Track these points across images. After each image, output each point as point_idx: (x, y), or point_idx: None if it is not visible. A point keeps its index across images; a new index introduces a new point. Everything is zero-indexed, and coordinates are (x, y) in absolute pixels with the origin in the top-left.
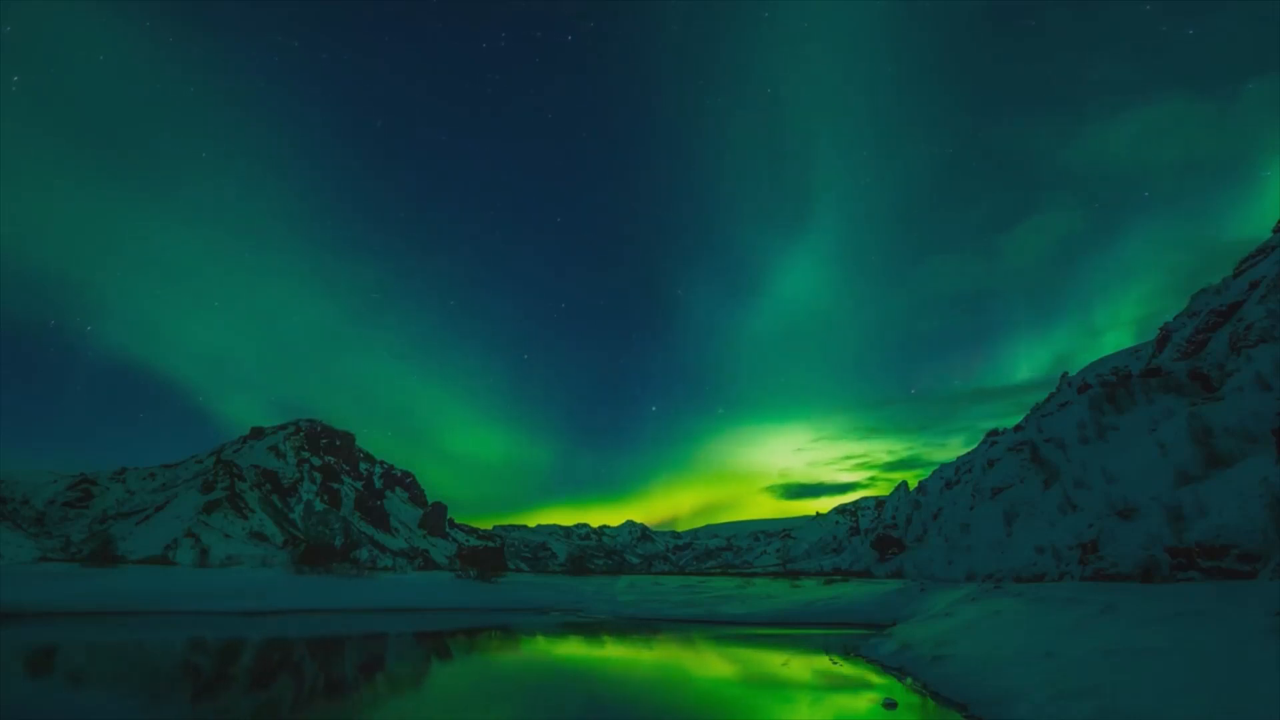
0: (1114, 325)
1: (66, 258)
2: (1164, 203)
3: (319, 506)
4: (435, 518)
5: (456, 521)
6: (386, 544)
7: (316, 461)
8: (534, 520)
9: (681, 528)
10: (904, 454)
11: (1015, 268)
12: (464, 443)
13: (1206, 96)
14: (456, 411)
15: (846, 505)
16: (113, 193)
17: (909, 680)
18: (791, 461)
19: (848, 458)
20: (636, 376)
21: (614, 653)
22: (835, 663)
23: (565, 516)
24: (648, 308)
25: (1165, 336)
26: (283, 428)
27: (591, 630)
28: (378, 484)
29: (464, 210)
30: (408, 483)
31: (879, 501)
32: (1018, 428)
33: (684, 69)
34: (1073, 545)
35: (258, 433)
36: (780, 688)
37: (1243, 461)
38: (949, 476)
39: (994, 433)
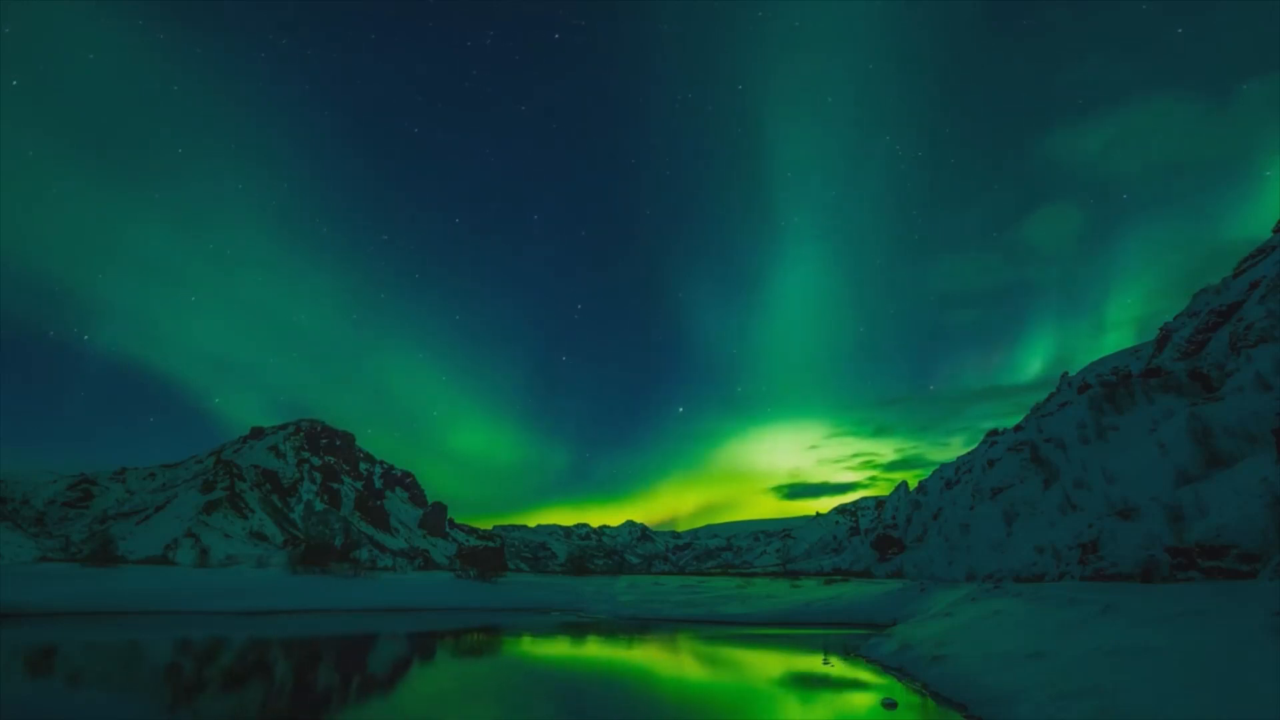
0: (1114, 325)
1: (66, 258)
2: (1164, 203)
3: (319, 506)
4: (435, 518)
5: (456, 521)
6: (386, 544)
7: (316, 461)
8: (534, 520)
9: (681, 528)
10: (904, 454)
11: (1014, 268)
12: (464, 443)
13: (1206, 96)
14: (457, 412)
15: (846, 505)
16: (112, 193)
17: (909, 680)
18: (791, 461)
19: (851, 457)
20: (636, 376)
21: (613, 653)
22: (835, 663)
23: (565, 516)
24: (651, 309)
25: (1165, 336)
26: (283, 428)
27: (591, 630)
28: (378, 484)
29: (463, 210)
30: (408, 483)
31: (879, 501)
32: (1018, 428)
33: (685, 67)
34: (1073, 545)
35: (258, 433)
36: (780, 687)
37: (1243, 461)
38: (949, 476)
39: (994, 433)
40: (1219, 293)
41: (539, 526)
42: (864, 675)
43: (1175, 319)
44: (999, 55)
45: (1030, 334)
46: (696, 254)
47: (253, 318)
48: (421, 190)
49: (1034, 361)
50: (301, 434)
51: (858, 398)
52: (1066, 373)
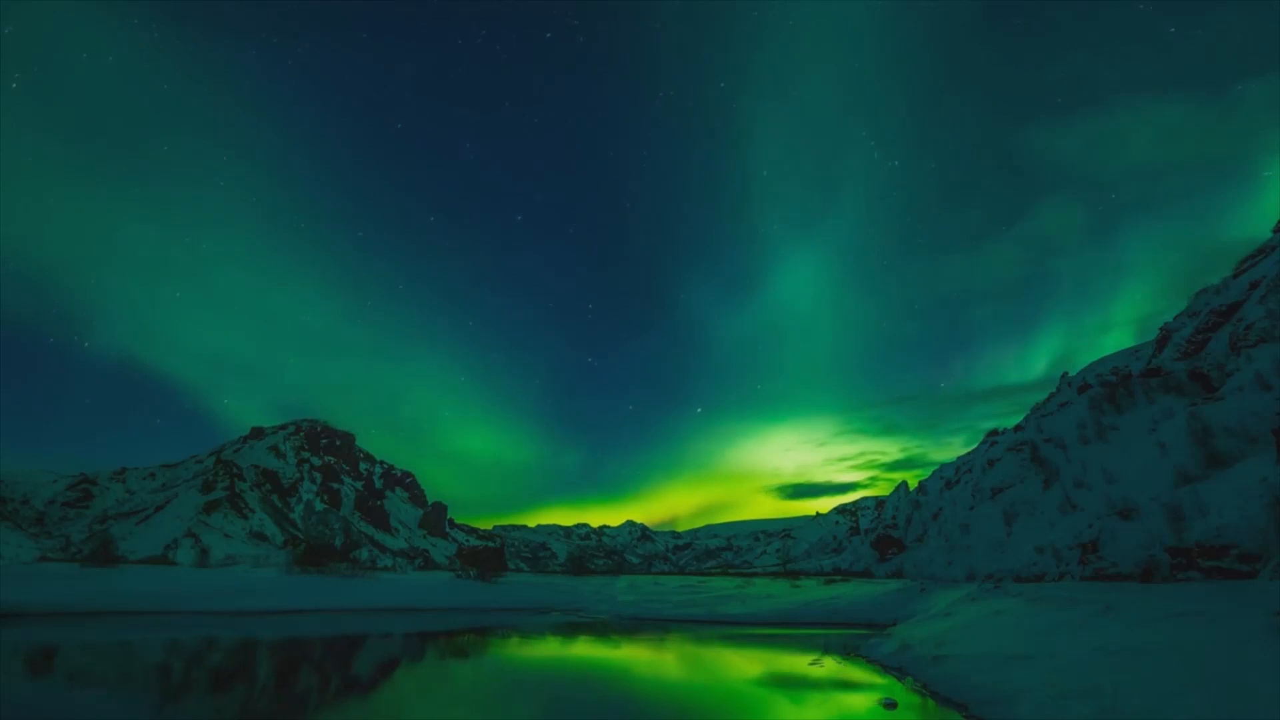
0: (1114, 325)
1: (66, 258)
2: (1164, 202)
3: (319, 506)
4: (435, 518)
5: (456, 521)
6: (386, 544)
7: (316, 461)
8: (534, 520)
9: (681, 528)
10: (904, 454)
11: (1014, 269)
12: (464, 443)
13: (1206, 96)
14: (457, 411)
15: (846, 505)
16: (112, 193)
17: (909, 680)
18: (792, 461)
19: (851, 457)
20: (638, 377)
21: (613, 652)
22: (835, 663)
23: (565, 516)
24: (649, 308)
25: (1165, 336)
26: (283, 428)
27: (591, 630)
28: (378, 484)
29: (464, 210)
30: (408, 483)
31: (879, 501)
32: (1018, 428)
33: (687, 67)
34: (1073, 545)
35: (258, 433)
36: (780, 687)
37: (1243, 461)
38: (949, 476)
39: (994, 433)
40: (1219, 293)
41: (539, 526)
42: (864, 675)
43: (1175, 319)
44: (999, 55)
45: (1029, 334)
46: (700, 254)
47: (253, 318)
48: (420, 190)
49: (1033, 362)
50: (301, 434)
51: (857, 398)
52: (1066, 373)
